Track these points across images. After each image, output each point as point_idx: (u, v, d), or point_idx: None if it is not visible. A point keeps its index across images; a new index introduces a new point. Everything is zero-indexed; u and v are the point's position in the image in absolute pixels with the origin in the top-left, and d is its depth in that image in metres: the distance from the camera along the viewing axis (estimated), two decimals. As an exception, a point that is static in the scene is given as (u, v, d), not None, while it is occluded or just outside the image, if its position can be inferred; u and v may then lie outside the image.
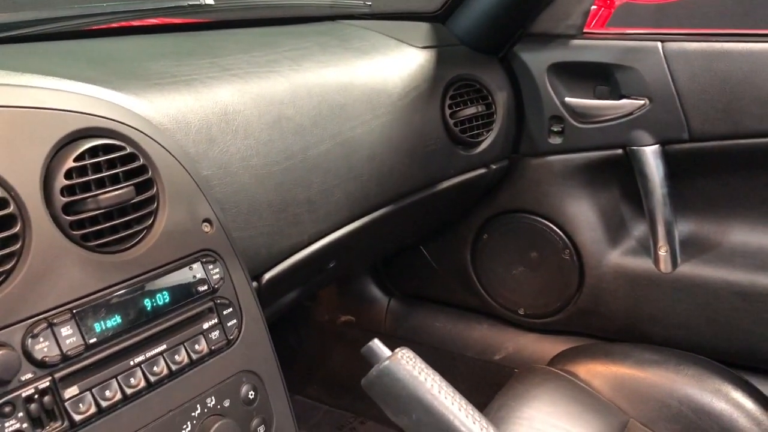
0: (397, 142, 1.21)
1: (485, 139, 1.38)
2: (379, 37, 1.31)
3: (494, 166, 1.43)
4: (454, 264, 1.64)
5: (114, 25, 1.18)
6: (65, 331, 0.66)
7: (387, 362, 0.68)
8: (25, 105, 0.68)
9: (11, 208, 0.64)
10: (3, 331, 0.62)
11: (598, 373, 1.28)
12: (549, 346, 1.57)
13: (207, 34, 1.19)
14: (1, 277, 0.63)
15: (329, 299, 1.87)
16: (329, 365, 1.87)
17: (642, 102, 1.31)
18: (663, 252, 1.37)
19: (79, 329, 0.67)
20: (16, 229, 0.64)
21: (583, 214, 1.44)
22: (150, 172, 0.75)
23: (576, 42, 1.37)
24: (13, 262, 0.64)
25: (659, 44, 1.28)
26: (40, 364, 0.64)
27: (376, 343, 0.70)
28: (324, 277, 1.35)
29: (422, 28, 1.40)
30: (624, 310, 1.44)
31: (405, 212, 1.28)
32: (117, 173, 0.72)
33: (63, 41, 1.04)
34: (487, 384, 1.65)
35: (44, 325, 0.65)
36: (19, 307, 0.64)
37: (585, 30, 1.38)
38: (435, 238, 1.65)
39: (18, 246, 0.64)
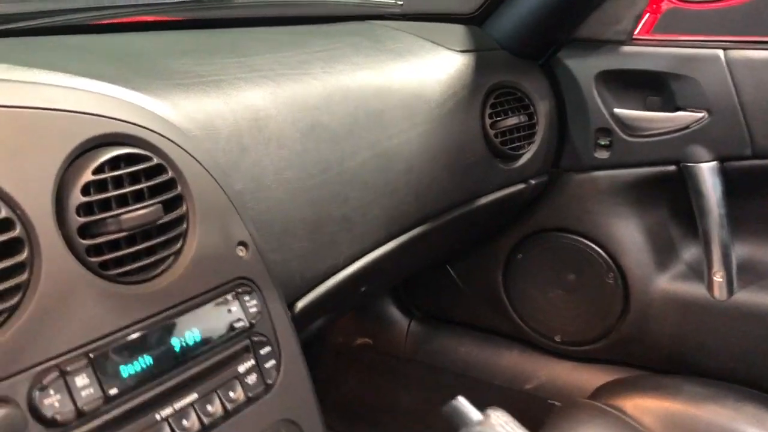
0: (435, 154, 1.10)
1: (526, 152, 1.27)
2: (413, 38, 1.20)
3: (533, 181, 1.32)
4: (484, 285, 1.52)
5: (126, 19, 1.07)
6: (80, 380, 0.54)
7: (479, 428, 0.57)
8: (35, 106, 0.56)
9: (17, 231, 0.52)
10: (5, 382, 0.50)
11: (648, 409, 1.17)
12: (586, 376, 1.46)
13: (229, 31, 1.08)
14: (4, 316, 0.51)
15: (344, 320, 1.75)
16: (343, 390, 1.75)
17: (700, 115, 1.20)
18: (718, 277, 1.26)
19: (97, 378, 0.55)
20: (23, 256, 0.52)
21: (629, 234, 1.33)
22: (179, 188, 0.64)
23: (626, 49, 1.26)
24: (18, 297, 0.52)
25: (721, 52, 1.18)
26: (51, 423, 0.52)
27: (462, 402, 0.59)
28: (351, 304, 1.24)
29: (458, 30, 1.29)
30: (672, 339, 1.33)
31: (441, 230, 1.17)
32: (141, 189, 0.61)
33: (71, 35, 0.93)
34: (516, 415, 1.53)
35: (55, 373, 0.53)
36: (24, 352, 0.52)
37: (634, 36, 1.27)
38: (463, 256, 1.54)
39: (25, 277, 0.52)
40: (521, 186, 1.30)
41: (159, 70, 0.80)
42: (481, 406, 1.60)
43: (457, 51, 1.21)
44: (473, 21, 1.34)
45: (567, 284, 1.42)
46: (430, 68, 1.14)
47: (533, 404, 1.51)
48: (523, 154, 1.27)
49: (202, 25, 1.10)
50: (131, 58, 0.82)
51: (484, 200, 1.23)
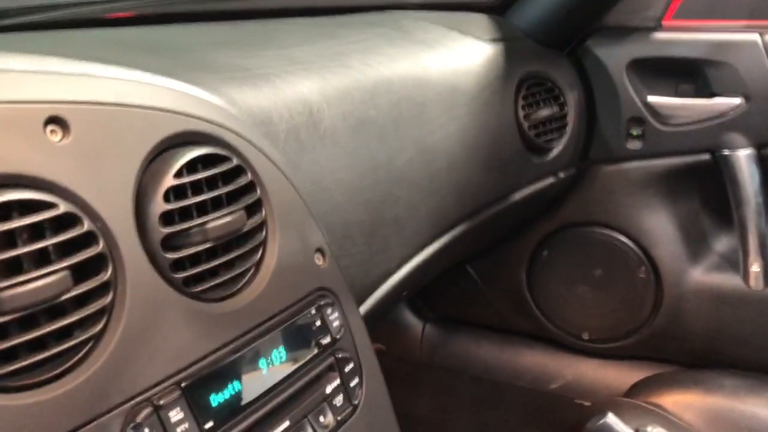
0: (474, 149, 1.05)
1: (557, 144, 1.23)
2: (440, 29, 1.14)
3: (562, 174, 1.27)
4: (506, 284, 1.47)
5: (144, 12, 0.99)
6: (174, 414, 0.47)
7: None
8: (109, 101, 0.49)
9: (101, 246, 0.45)
10: (95, 423, 0.43)
11: (689, 404, 1.13)
12: (614, 374, 1.42)
13: (256, 23, 1.01)
14: (88, 345, 0.44)
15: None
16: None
17: (737, 101, 1.17)
18: (755, 267, 1.23)
19: (191, 410, 0.48)
20: (107, 274, 0.45)
21: (661, 226, 1.29)
22: (258, 191, 0.57)
23: (658, 36, 1.22)
24: (103, 322, 0.45)
25: (758, 37, 1.15)
26: (148, 467, 0.45)
27: (612, 420, 0.53)
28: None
29: (483, 20, 1.23)
30: (706, 332, 1.30)
31: (476, 229, 1.12)
32: (221, 194, 0.54)
33: (90, 29, 0.85)
34: (541, 416, 1.49)
35: (148, 409, 0.46)
36: (114, 387, 0.45)
37: (663, 22, 1.24)
38: (484, 255, 1.48)
39: (109, 299, 0.45)
40: (551, 180, 1.25)
41: (206, 64, 0.72)
42: (504, 409, 1.55)
43: (485, 41, 1.15)
44: (495, 10, 1.29)
45: (595, 280, 1.38)
46: (462, 59, 1.09)
47: (559, 405, 1.46)
48: (554, 146, 1.22)
49: (222, 17, 1.02)
50: (172, 52, 0.75)
51: (518, 195, 1.18)
